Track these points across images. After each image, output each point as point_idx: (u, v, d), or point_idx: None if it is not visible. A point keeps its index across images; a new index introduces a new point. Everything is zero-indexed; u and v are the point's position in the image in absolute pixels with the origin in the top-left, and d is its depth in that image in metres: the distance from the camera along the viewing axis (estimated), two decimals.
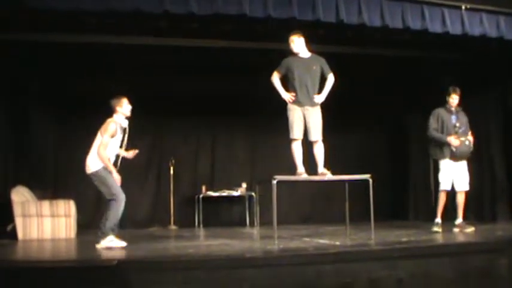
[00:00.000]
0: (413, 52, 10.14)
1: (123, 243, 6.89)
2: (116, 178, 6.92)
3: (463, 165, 8.29)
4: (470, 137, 8.25)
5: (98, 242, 6.89)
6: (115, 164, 7.15)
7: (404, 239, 7.19)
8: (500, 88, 10.11)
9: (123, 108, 7.13)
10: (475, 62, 10.02)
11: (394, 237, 7.50)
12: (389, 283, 5.89)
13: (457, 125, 8.23)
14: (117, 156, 7.22)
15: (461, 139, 8.18)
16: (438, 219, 8.24)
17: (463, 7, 8.32)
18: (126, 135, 7.22)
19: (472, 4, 8.34)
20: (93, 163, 6.98)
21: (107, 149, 6.94)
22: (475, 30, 8.42)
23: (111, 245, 6.80)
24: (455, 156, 8.22)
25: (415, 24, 8.18)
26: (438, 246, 6.87)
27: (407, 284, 5.92)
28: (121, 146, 7.24)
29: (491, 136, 10.19)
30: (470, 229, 8.07)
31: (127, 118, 7.18)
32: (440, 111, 8.36)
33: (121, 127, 7.10)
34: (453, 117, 8.28)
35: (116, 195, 6.90)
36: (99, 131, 7.02)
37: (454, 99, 8.33)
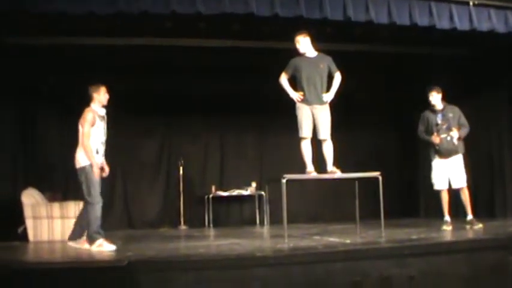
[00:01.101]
0: (421, 49, 10.11)
1: (113, 247, 6.84)
2: (95, 171, 6.88)
3: (456, 161, 8.27)
4: (453, 133, 8.19)
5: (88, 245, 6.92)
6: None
7: (414, 237, 7.17)
8: (509, 84, 10.04)
9: (101, 96, 7.10)
10: (483, 58, 9.97)
11: (404, 234, 7.49)
12: (400, 281, 5.88)
13: (439, 123, 8.25)
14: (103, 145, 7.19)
15: (442, 136, 8.19)
16: (446, 218, 8.25)
17: (471, 3, 8.27)
18: (105, 124, 7.19)
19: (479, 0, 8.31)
20: (81, 157, 6.97)
21: (90, 139, 6.94)
22: (483, 26, 8.38)
23: (100, 249, 6.75)
24: (441, 154, 8.26)
25: (422, 20, 8.13)
26: (448, 243, 6.85)
27: (418, 281, 5.91)
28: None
29: (501, 133, 10.13)
30: (478, 226, 8.05)
31: (104, 107, 7.17)
32: (426, 113, 8.46)
33: (99, 115, 7.08)
34: (438, 116, 8.31)
35: (93, 198, 6.85)
36: (79, 123, 7.01)
37: (433, 97, 8.33)
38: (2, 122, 9.43)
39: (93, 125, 6.96)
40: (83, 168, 6.94)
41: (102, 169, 7.11)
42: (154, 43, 9.41)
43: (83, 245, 6.98)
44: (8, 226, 8.93)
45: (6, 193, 9.27)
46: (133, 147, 11.15)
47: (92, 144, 6.95)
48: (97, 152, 7.00)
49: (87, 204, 6.93)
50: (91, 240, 6.87)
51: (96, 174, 6.90)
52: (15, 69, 9.56)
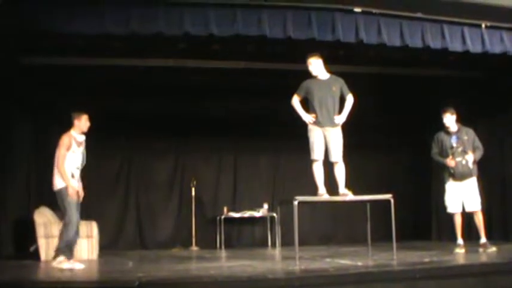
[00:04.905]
0: (435, 71, 10.11)
1: (78, 266, 7.03)
2: (71, 193, 7.10)
3: (470, 185, 8.20)
4: (468, 156, 8.13)
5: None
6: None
7: (426, 260, 7.12)
8: None
9: (81, 123, 7.35)
10: (496, 80, 9.93)
11: (416, 257, 7.43)
12: None
13: (454, 145, 8.19)
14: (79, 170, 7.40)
15: (457, 159, 8.12)
16: (459, 241, 8.19)
17: (483, 25, 8.28)
18: (84, 150, 7.42)
19: (492, 22, 8.30)
20: (57, 180, 7.24)
21: (65, 162, 7.18)
22: (496, 48, 8.36)
23: (61, 266, 6.97)
24: (456, 177, 8.19)
25: (435, 43, 8.14)
26: (461, 266, 6.80)
27: None
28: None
29: None
30: (492, 249, 7.98)
31: (83, 133, 7.40)
32: (440, 134, 8.41)
33: (76, 141, 7.29)
34: (453, 138, 8.25)
35: (68, 218, 7.13)
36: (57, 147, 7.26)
37: (447, 119, 8.29)
38: (16, 140, 9.49)
39: (68, 149, 7.20)
40: (59, 191, 7.21)
41: (77, 193, 7.34)
42: (167, 64, 9.47)
43: (73, 263, 7.10)
44: (21, 244, 8.98)
45: (18, 211, 9.31)
46: (147, 168, 11.19)
47: (67, 168, 7.19)
48: (72, 176, 7.24)
49: (64, 223, 7.24)
50: (56, 255, 7.14)
51: (72, 196, 7.14)
52: (30, 88, 9.65)
